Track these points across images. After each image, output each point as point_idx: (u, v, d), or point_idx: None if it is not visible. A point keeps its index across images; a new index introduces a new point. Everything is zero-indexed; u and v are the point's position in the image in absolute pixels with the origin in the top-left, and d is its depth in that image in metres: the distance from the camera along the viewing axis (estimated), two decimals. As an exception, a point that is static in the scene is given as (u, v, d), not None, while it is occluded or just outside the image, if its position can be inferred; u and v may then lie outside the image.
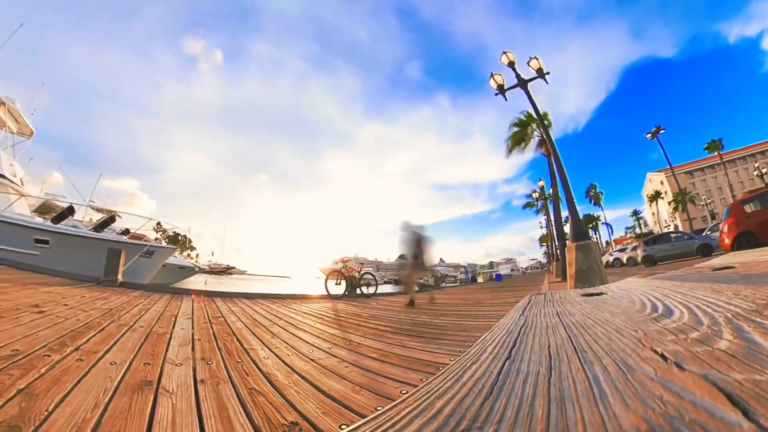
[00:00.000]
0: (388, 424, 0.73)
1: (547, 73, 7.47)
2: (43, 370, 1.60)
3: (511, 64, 7.59)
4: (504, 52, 7.58)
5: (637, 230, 70.22)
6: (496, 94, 8.13)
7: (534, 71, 7.52)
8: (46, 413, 1.19)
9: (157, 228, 16.10)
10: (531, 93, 7.73)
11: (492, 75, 8.07)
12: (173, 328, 3.07)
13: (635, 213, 72.80)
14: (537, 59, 7.44)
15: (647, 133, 24.82)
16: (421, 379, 1.71)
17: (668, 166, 28.37)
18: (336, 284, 8.08)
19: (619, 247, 34.23)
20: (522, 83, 7.68)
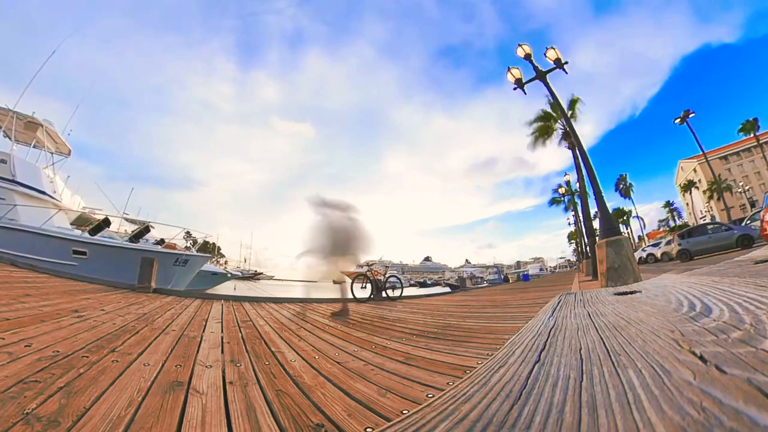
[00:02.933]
0: (413, 427, 0.72)
1: (566, 62, 7.27)
2: (81, 370, 1.68)
3: (528, 57, 7.44)
4: (520, 45, 7.43)
5: (671, 223, 67.16)
6: (515, 89, 7.98)
7: (552, 62, 7.33)
8: (83, 410, 1.25)
9: (187, 237, 16.64)
10: (550, 85, 7.56)
11: (509, 69, 7.93)
12: (204, 331, 3.16)
13: (668, 204, 69.60)
14: (554, 49, 7.26)
15: (676, 119, 23.57)
16: (447, 383, 1.68)
17: (700, 152, 26.91)
18: (362, 288, 8.12)
19: (652, 241, 32.90)
20: (540, 75, 7.52)
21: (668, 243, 19.50)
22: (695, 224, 31.61)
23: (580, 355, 0.97)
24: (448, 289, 19.31)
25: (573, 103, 16.74)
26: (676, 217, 68.21)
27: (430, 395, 1.53)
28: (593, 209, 13.55)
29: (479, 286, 27.53)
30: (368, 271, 8.23)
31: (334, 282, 5.70)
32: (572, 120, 15.17)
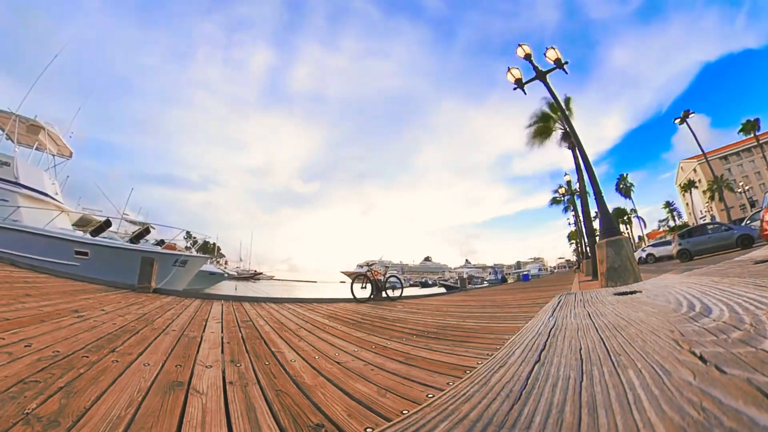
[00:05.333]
0: (413, 427, 0.72)
1: (566, 62, 7.27)
2: (81, 370, 1.68)
3: (528, 57, 7.45)
4: (520, 45, 7.44)
5: (671, 223, 67.11)
6: (515, 89, 7.98)
7: (552, 62, 7.34)
8: (83, 410, 1.26)
9: (187, 237, 16.73)
10: (550, 84, 7.56)
11: (509, 69, 7.94)
12: (204, 331, 3.16)
13: (668, 205, 69.50)
14: (554, 49, 7.26)
15: (675, 119, 23.46)
16: (447, 383, 1.69)
17: (700, 152, 26.85)
18: (362, 288, 8.13)
19: (652, 241, 32.88)
20: (540, 75, 7.53)
21: (669, 243, 19.54)
22: (695, 224, 31.59)
23: (580, 355, 0.97)
24: (443, 290, 19.19)
25: (567, 102, 16.75)
26: (676, 217, 68.17)
27: (430, 395, 1.53)
28: (593, 209, 13.58)
29: (479, 286, 27.54)
30: (368, 271, 8.24)
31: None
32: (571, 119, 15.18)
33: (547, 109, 16.86)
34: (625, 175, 57.51)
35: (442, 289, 24.20)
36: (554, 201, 36.58)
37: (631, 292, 2.40)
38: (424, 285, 59.74)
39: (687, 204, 63.42)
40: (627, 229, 59.07)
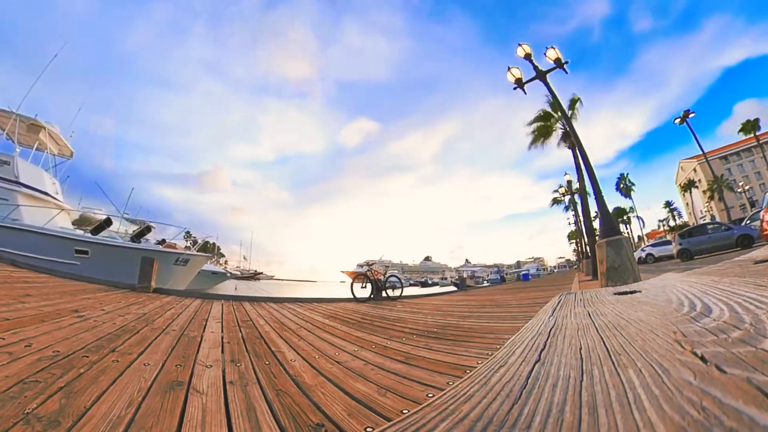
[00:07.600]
0: (414, 427, 0.72)
1: (566, 62, 7.26)
2: (81, 370, 1.68)
3: (528, 57, 7.45)
4: (520, 45, 7.44)
5: (671, 222, 67.14)
6: (515, 88, 7.98)
7: (552, 62, 7.33)
8: (83, 410, 1.26)
9: (187, 237, 16.73)
10: (550, 84, 7.56)
11: (509, 69, 7.93)
12: (204, 331, 3.16)
13: (668, 204, 69.48)
14: (554, 49, 7.25)
15: (676, 119, 23.42)
16: (447, 383, 1.69)
17: (700, 152, 26.80)
18: (362, 287, 8.13)
19: (651, 241, 32.90)
20: (540, 75, 7.52)
21: (669, 243, 19.56)
22: (695, 224, 31.58)
23: (580, 355, 0.97)
24: (453, 289, 19.05)
25: (573, 102, 16.78)
26: (675, 217, 68.15)
27: (430, 395, 1.53)
28: (593, 209, 13.58)
29: (480, 285, 27.54)
30: (368, 271, 8.24)
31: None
32: (573, 120, 15.21)
33: (548, 109, 16.89)
34: (625, 175, 57.52)
35: (452, 288, 24.04)
36: (555, 201, 36.60)
37: (631, 292, 2.40)
38: (425, 285, 59.76)
39: (687, 204, 63.47)
40: (627, 228, 59.13)
